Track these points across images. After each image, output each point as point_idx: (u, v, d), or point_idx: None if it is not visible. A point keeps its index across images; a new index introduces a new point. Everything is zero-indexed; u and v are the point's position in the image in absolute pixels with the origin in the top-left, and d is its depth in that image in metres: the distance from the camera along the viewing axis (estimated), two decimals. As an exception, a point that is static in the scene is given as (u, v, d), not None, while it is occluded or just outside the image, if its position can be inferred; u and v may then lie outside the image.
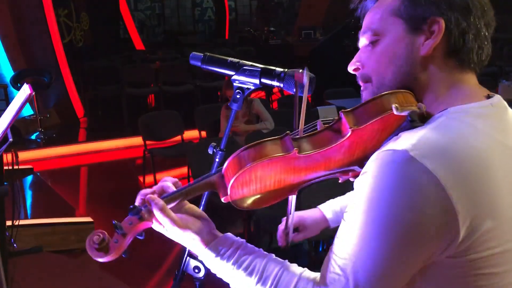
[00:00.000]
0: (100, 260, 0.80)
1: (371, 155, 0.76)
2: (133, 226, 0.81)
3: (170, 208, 0.83)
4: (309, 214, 1.24)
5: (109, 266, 3.23)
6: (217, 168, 1.00)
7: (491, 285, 0.75)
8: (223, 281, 0.87)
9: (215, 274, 0.87)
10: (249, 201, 0.85)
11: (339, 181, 0.90)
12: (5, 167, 2.36)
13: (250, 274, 0.81)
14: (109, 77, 7.40)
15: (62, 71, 6.81)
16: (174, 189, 0.86)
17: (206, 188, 0.85)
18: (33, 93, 1.57)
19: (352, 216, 0.75)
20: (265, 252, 0.85)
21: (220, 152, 1.01)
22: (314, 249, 2.82)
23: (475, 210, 0.71)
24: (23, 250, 3.03)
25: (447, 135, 0.73)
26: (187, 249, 1.04)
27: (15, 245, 2.84)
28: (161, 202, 0.82)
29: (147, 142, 4.60)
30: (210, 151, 1.02)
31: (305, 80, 0.83)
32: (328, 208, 1.25)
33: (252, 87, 0.96)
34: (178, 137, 4.78)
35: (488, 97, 0.82)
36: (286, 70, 0.95)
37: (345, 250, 0.75)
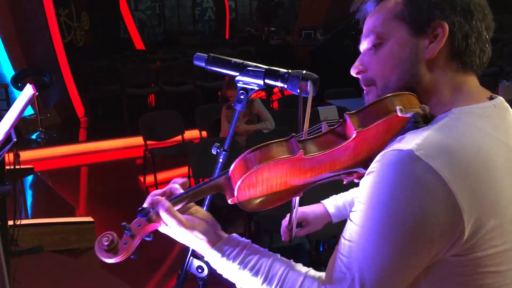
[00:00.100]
0: (109, 261, 0.81)
1: (376, 156, 0.77)
2: (142, 227, 0.82)
3: (177, 210, 0.84)
4: (312, 209, 1.25)
5: (110, 265, 3.23)
6: (220, 168, 1.00)
7: (495, 283, 0.76)
8: (226, 281, 0.87)
9: (218, 274, 0.88)
10: (255, 202, 0.86)
11: (344, 183, 0.90)
12: (7, 167, 2.36)
13: (256, 274, 0.82)
14: (110, 77, 7.40)
15: (62, 71, 6.81)
16: (182, 191, 0.87)
17: (213, 190, 0.86)
18: (37, 93, 1.57)
19: (358, 216, 0.76)
20: (270, 252, 0.86)
21: (223, 152, 1.01)
22: (315, 248, 2.83)
23: (480, 209, 0.72)
24: (24, 250, 3.03)
25: (451, 135, 0.74)
26: (190, 249, 1.04)
27: (17, 245, 2.85)
28: (167, 203, 0.83)
29: (148, 142, 4.61)
30: (213, 152, 1.02)
31: (309, 89, 0.84)
32: (331, 203, 1.26)
33: (256, 88, 0.96)
34: (179, 137, 4.78)
35: (491, 98, 0.83)
36: (290, 71, 0.95)
37: (351, 249, 0.75)
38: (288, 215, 1.19)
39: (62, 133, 6.55)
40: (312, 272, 0.82)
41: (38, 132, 6.13)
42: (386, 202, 0.72)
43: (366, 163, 0.82)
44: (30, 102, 1.60)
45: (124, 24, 10.65)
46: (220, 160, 1.01)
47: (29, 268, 2.88)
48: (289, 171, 0.81)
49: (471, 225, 0.71)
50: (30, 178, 4.79)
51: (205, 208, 1.03)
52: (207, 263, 1.02)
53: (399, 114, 0.76)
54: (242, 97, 0.96)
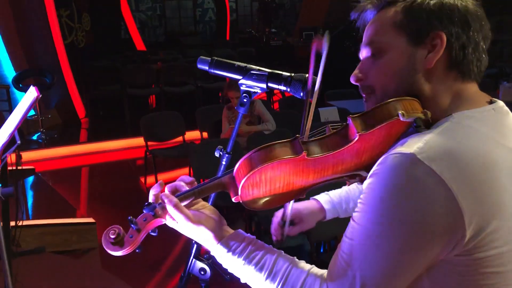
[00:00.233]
0: (115, 254, 0.83)
1: (378, 159, 0.78)
2: (148, 222, 0.84)
3: (184, 205, 0.86)
4: (305, 205, 1.24)
5: (111, 266, 3.24)
6: (223, 171, 1.01)
7: (497, 283, 0.77)
8: (229, 283, 0.88)
9: (220, 276, 0.89)
10: (259, 202, 0.88)
11: (347, 185, 0.92)
12: (9, 168, 2.37)
13: (260, 269, 0.84)
14: (111, 77, 7.41)
15: (63, 71, 6.82)
16: (187, 188, 0.89)
17: (218, 188, 0.88)
18: (40, 96, 1.59)
19: (360, 216, 0.77)
20: (275, 249, 0.88)
21: (226, 155, 1.02)
22: (316, 250, 2.83)
23: (481, 211, 0.73)
24: (26, 251, 3.04)
25: (452, 139, 0.76)
26: (193, 251, 1.05)
27: (20, 245, 2.85)
28: (175, 199, 0.85)
29: (149, 142, 4.61)
30: (217, 154, 1.03)
31: (325, 47, 0.84)
32: (325, 200, 1.25)
33: (259, 91, 0.98)
34: (180, 138, 4.79)
35: (490, 102, 0.85)
36: (292, 74, 0.96)
37: (352, 248, 0.77)
38: (279, 212, 1.18)
39: (63, 134, 6.56)
40: (315, 269, 0.84)
41: (39, 133, 6.14)
42: (388, 204, 0.74)
43: (368, 166, 0.83)
44: (34, 104, 1.61)
45: (125, 25, 10.66)
46: (223, 162, 1.02)
47: (30, 269, 2.89)
48: (292, 171, 0.83)
49: (472, 227, 0.73)
50: (31, 178, 4.80)
51: (210, 204, 1.04)
52: (209, 264, 1.03)
53: (401, 118, 0.77)
54: (245, 100, 0.97)
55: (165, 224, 0.89)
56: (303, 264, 0.85)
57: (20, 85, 5.98)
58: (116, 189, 4.80)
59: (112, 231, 0.83)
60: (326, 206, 1.23)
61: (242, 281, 0.87)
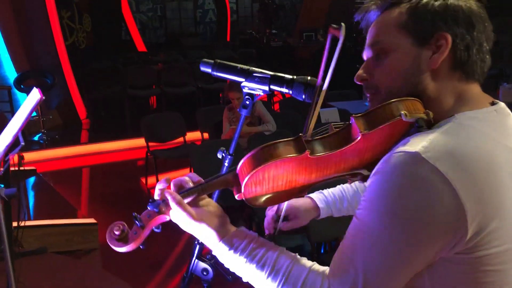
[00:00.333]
0: (119, 250, 0.84)
1: (380, 158, 0.79)
2: (151, 218, 0.85)
3: (187, 202, 0.87)
4: (300, 203, 1.24)
5: (112, 266, 3.25)
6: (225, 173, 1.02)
7: (496, 281, 0.78)
8: (231, 284, 0.89)
9: (222, 277, 0.90)
10: (262, 199, 0.89)
11: (348, 183, 0.93)
12: (11, 168, 2.38)
13: (262, 267, 0.84)
14: (111, 78, 7.42)
15: (64, 72, 6.83)
16: (191, 185, 0.90)
17: (221, 185, 0.89)
18: (43, 98, 1.60)
19: (364, 214, 0.78)
20: (276, 246, 0.88)
21: (229, 157, 1.03)
22: (316, 250, 2.84)
23: (483, 210, 0.74)
24: (28, 251, 3.05)
25: (456, 139, 0.77)
26: (195, 251, 1.06)
27: (22, 246, 2.87)
28: (178, 196, 0.85)
29: (150, 143, 4.63)
30: (219, 156, 1.04)
31: (341, 36, 0.85)
32: (320, 198, 1.25)
33: (262, 94, 0.99)
34: (181, 139, 4.80)
35: (492, 103, 0.86)
36: (294, 77, 0.97)
37: (355, 245, 0.78)
38: (274, 207, 1.18)
39: (64, 135, 6.57)
40: (316, 266, 0.85)
41: (40, 134, 6.15)
42: (393, 202, 0.75)
43: (370, 165, 0.85)
44: (37, 106, 1.63)
45: (126, 26, 10.66)
46: (226, 164, 1.03)
47: (32, 269, 2.90)
48: (295, 170, 0.84)
49: (474, 226, 0.74)
50: (32, 179, 4.81)
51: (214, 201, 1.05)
52: (212, 265, 1.04)
53: (404, 118, 0.78)
54: (247, 102, 0.98)
55: (167, 222, 0.89)
56: (305, 261, 0.86)
57: (22, 86, 5.99)
58: (117, 189, 4.81)
59: (116, 227, 0.84)
60: (320, 205, 1.24)
61: (244, 279, 0.88)
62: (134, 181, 5.04)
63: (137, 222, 0.84)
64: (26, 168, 3.31)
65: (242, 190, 0.84)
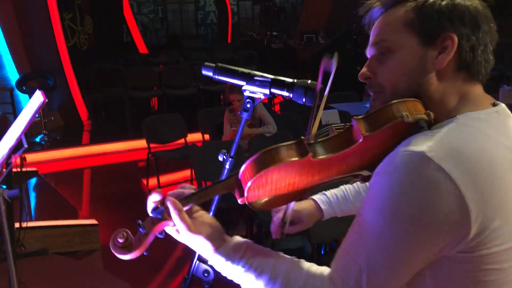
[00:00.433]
0: (123, 257, 0.84)
1: (381, 159, 0.80)
2: (155, 225, 0.85)
3: (185, 210, 0.86)
4: (303, 206, 1.24)
5: (113, 267, 3.25)
6: (227, 175, 1.03)
7: (498, 280, 0.79)
8: (232, 285, 0.90)
9: (224, 279, 0.91)
10: (263, 202, 0.89)
11: (350, 183, 0.94)
12: (13, 169, 2.39)
13: (260, 275, 0.84)
14: (113, 80, 7.43)
15: (66, 74, 6.85)
16: (192, 190, 0.90)
17: (223, 189, 0.89)
18: (46, 100, 1.61)
19: (368, 212, 0.79)
20: (273, 251, 0.88)
21: (230, 159, 1.04)
22: (317, 252, 2.85)
23: (486, 209, 0.75)
24: (30, 252, 3.06)
25: (460, 139, 0.78)
26: (196, 253, 1.07)
27: (24, 247, 2.88)
28: (179, 205, 0.85)
29: (151, 144, 4.63)
30: (220, 158, 1.05)
31: (333, 67, 0.87)
32: (322, 200, 1.26)
33: (262, 97, 1.00)
34: (182, 140, 4.81)
35: (494, 105, 0.87)
36: (295, 80, 0.98)
37: (359, 243, 0.79)
38: (279, 213, 1.19)
39: (66, 136, 6.58)
40: (314, 268, 0.85)
41: (42, 135, 6.16)
42: (397, 200, 0.75)
43: (371, 166, 0.85)
44: (40, 108, 1.64)
45: (127, 28, 10.67)
46: (227, 166, 1.04)
47: (34, 270, 2.91)
48: (297, 173, 0.84)
49: (477, 225, 0.74)
50: (34, 180, 4.82)
51: (212, 211, 1.06)
52: (213, 267, 1.05)
53: (405, 120, 0.79)
54: (248, 105, 0.99)
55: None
56: (303, 265, 0.85)
57: (24, 88, 6.01)
58: (118, 191, 4.82)
59: (120, 235, 0.83)
60: (323, 206, 1.24)
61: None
62: (135, 182, 5.05)
63: (141, 229, 0.84)
64: (28, 169, 3.32)
65: (245, 195, 0.84)
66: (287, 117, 4.62)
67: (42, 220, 3.68)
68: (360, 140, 0.79)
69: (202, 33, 14.15)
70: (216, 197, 1.06)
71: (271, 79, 0.98)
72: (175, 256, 3.41)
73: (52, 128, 6.43)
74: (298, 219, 1.23)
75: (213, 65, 1.03)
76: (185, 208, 0.86)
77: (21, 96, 6.28)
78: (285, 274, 0.83)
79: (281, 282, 0.83)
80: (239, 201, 0.87)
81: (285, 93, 0.97)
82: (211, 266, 1.05)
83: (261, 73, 1.00)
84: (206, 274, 1.05)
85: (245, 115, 1.00)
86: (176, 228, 0.87)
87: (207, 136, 4.82)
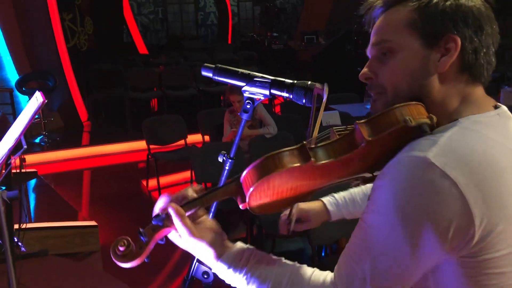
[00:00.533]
0: (125, 266, 0.83)
1: (383, 162, 0.80)
2: (156, 232, 0.85)
3: (187, 216, 0.86)
4: (312, 206, 1.26)
5: (113, 268, 3.24)
6: (227, 176, 1.03)
7: (499, 283, 0.78)
8: (232, 287, 0.90)
9: (223, 280, 0.90)
10: (265, 207, 0.89)
11: (352, 185, 0.93)
12: (13, 171, 2.39)
13: (262, 284, 0.84)
14: (113, 81, 7.43)
15: (66, 75, 6.85)
16: (195, 195, 0.89)
17: (224, 195, 0.88)
18: (46, 101, 1.61)
19: (372, 218, 0.78)
20: (275, 258, 0.88)
21: (229, 160, 1.04)
22: (317, 254, 2.84)
23: (490, 214, 0.75)
24: (29, 253, 3.06)
25: (463, 144, 0.77)
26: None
27: (23, 248, 2.87)
28: (181, 211, 0.85)
29: (151, 146, 4.63)
30: (220, 160, 1.04)
31: (324, 97, 0.87)
32: (330, 202, 1.27)
33: (262, 98, 0.99)
34: (182, 141, 4.81)
35: (495, 107, 0.86)
36: (295, 81, 0.97)
37: (363, 249, 0.78)
38: (286, 210, 1.22)
39: (66, 137, 6.58)
40: (317, 273, 0.84)
41: (41, 136, 6.16)
42: (401, 205, 0.75)
43: (372, 168, 0.85)
44: (40, 109, 1.64)
45: (127, 29, 10.69)
46: (226, 167, 1.03)
47: (33, 271, 2.90)
48: (299, 177, 0.84)
49: (481, 230, 0.74)
50: (33, 181, 4.82)
51: (211, 213, 1.06)
52: (211, 269, 1.04)
53: (408, 124, 0.78)
54: (248, 106, 0.99)
55: None
56: (305, 271, 0.85)
57: (23, 89, 6.01)
58: (118, 192, 4.81)
59: (121, 243, 0.83)
60: (330, 208, 1.26)
61: None
62: (135, 184, 5.05)
63: (142, 237, 0.84)
64: (28, 170, 3.31)
65: (247, 200, 0.84)
66: (288, 118, 4.62)
67: (42, 221, 3.68)
68: (363, 145, 0.79)
69: (202, 34, 14.17)
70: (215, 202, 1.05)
71: (271, 80, 0.98)
72: (175, 258, 3.41)
73: (52, 129, 6.43)
74: (305, 217, 1.25)
75: (213, 66, 1.03)
76: (187, 214, 0.86)
77: (21, 97, 6.28)
78: (288, 282, 0.83)
79: None
80: (240, 206, 0.87)
81: (285, 94, 0.97)
82: (210, 268, 1.05)
83: (261, 74, 0.99)
84: (205, 276, 1.05)
85: (245, 116, 1.00)
86: (179, 234, 0.86)
87: (207, 137, 4.82)
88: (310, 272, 0.85)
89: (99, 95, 7.47)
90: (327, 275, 0.83)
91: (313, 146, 0.84)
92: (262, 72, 1.03)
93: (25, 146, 1.73)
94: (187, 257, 1.06)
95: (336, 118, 4.34)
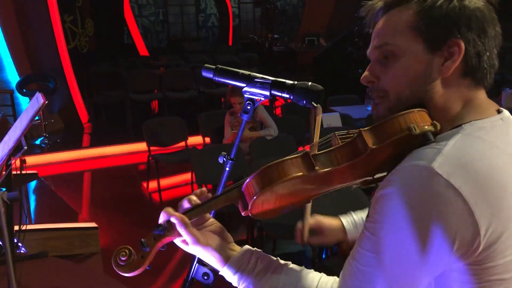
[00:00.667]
0: (127, 275, 0.84)
1: (385, 165, 0.80)
2: (158, 242, 0.86)
3: (192, 222, 0.87)
4: (328, 221, 1.23)
5: (113, 270, 3.24)
6: (227, 177, 1.03)
7: None
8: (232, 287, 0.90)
9: (223, 281, 0.90)
10: (267, 213, 0.89)
11: (351, 189, 0.93)
12: (13, 172, 2.39)
13: (270, 286, 0.85)
14: (113, 82, 7.44)
15: (66, 76, 6.86)
16: (198, 201, 0.90)
17: (226, 202, 0.88)
18: (46, 102, 1.61)
19: (376, 227, 0.77)
20: (282, 263, 0.88)
21: (230, 161, 1.04)
22: (318, 255, 2.84)
23: (495, 224, 0.74)
24: (30, 255, 3.05)
25: (467, 152, 0.76)
26: (196, 256, 1.06)
27: (23, 249, 2.87)
28: (185, 220, 0.85)
29: (151, 147, 4.63)
30: (220, 161, 1.04)
31: (317, 112, 0.87)
32: (348, 220, 1.24)
33: (263, 99, 0.99)
34: (182, 143, 4.81)
35: (498, 111, 0.85)
36: (295, 82, 0.97)
37: (369, 259, 0.77)
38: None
39: (66, 139, 6.59)
40: (324, 280, 0.85)
41: (42, 138, 6.16)
42: (407, 216, 0.74)
43: (374, 173, 0.85)
44: (40, 110, 1.64)
45: (128, 30, 10.71)
46: (227, 168, 1.03)
47: (33, 273, 2.90)
48: (302, 185, 0.84)
49: (486, 239, 0.74)
50: (34, 183, 4.82)
51: (211, 214, 1.05)
52: (212, 270, 1.04)
53: (413, 133, 0.77)
54: (249, 107, 0.98)
55: None
56: (312, 276, 0.85)
57: (24, 90, 6.01)
58: (119, 193, 4.81)
59: (122, 253, 0.84)
60: (347, 227, 1.22)
61: None
62: (135, 185, 5.05)
63: (144, 248, 0.84)
64: (28, 171, 3.32)
65: (249, 208, 0.84)
66: (289, 120, 4.62)
67: (42, 223, 3.68)
68: (367, 153, 0.79)
69: (203, 35, 14.18)
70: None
71: (272, 81, 0.98)
72: (175, 260, 3.40)
73: (52, 131, 6.43)
74: (320, 229, 1.22)
75: (213, 67, 1.03)
76: (191, 220, 0.87)
77: (22, 99, 6.29)
78: None
79: None
80: (242, 213, 0.87)
81: (285, 95, 0.96)
82: (210, 269, 1.04)
83: (261, 75, 0.99)
84: (205, 277, 1.04)
85: (245, 117, 0.99)
86: (184, 240, 0.87)
87: (207, 139, 4.82)
88: (318, 279, 0.85)
89: (99, 97, 7.48)
90: (334, 281, 0.84)
91: (316, 153, 0.83)
92: (263, 73, 1.03)
93: (25, 147, 1.73)
94: (187, 259, 1.06)
95: (337, 120, 4.34)
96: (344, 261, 0.83)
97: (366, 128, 0.81)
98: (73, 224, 3.62)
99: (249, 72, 1.00)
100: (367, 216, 0.81)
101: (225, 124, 4.12)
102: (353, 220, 1.24)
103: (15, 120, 2.20)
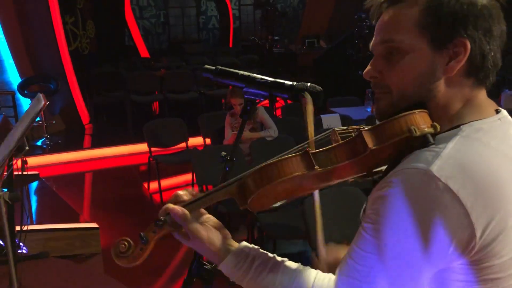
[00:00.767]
0: (125, 266, 0.86)
1: (383, 164, 0.81)
2: (156, 235, 0.87)
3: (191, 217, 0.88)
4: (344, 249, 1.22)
5: (114, 271, 3.25)
6: (226, 177, 1.04)
7: (494, 287, 0.78)
8: (232, 286, 0.91)
9: (223, 280, 0.92)
10: (265, 206, 0.91)
11: (349, 182, 0.95)
12: (14, 173, 2.40)
13: (267, 285, 0.86)
14: (114, 84, 7.45)
15: (68, 78, 6.88)
16: (194, 194, 0.91)
17: (225, 196, 0.89)
18: (47, 103, 1.62)
19: (373, 228, 0.78)
20: (279, 260, 0.89)
21: (230, 161, 1.05)
22: (317, 256, 2.84)
23: (491, 225, 0.75)
24: (31, 255, 3.06)
25: (465, 155, 0.76)
26: (196, 255, 1.07)
27: (25, 249, 2.88)
28: (185, 212, 0.86)
29: (152, 148, 4.64)
30: (220, 161, 1.05)
31: (307, 100, 0.87)
32: None
33: (262, 99, 1.00)
34: (183, 144, 4.82)
35: (497, 111, 0.85)
36: (294, 83, 0.98)
37: (365, 259, 0.78)
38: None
39: (67, 140, 6.60)
40: (320, 276, 0.85)
41: (43, 139, 6.18)
42: (404, 217, 0.74)
43: (372, 169, 0.86)
44: (41, 111, 1.65)
45: (129, 32, 10.72)
46: (227, 169, 1.04)
47: (34, 273, 2.91)
48: (301, 182, 0.85)
49: (482, 241, 0.74)
50: (35, 183, 4.83)
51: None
52: (213, 269, 1.05)
53: (413, 135, 0.78)
54: (248, 108, 1.00)
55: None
56: (308, 273, 0.86)
57: (25, 91, 6.03)
58: (119, 194, 4.82)
59: (122, 245, 0.85)
60: None
61: None
62: (136, 186, 5.06)
63: (142, 241, 0.86)
64: (29, 172, 3.33)
65: (248, 203, 0.85)
66: (289, 121, 4.63)
67: (43, 223, 3.68)
68: (367, 153, 0.79)
69: (203, 37, 14.19)
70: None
71: (271, 81, 0.99)
72: (176, 260, 3.41)
73: (53, 132, 6.45)
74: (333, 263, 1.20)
75: (213, 68, 1.04)
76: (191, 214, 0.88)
77: (23, 100, 6.30)
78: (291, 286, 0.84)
79: None
80: (240, 208, 0.88)
81: (284, 96, 0.97)
82: (211, 268, 1.05)
83: (260, 76, 1.00)
84: (206, 277, 1.05)
85: (244, 117, 1.01)
86: (184, 233, 0.88)
87: (208, 140, 4.83)
88: (313, 277, 0.85)
89: (100, 98, 7.49)
90: (330, 279, 0.84)
91: (315, 151, 0.83)
92: (263, 75, 1.04)
93: (27, 147, 1.74)
94: (188, 258, 1.08)
95: (337, 121, 4.35)
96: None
97: (366, 128, 0.81)
98: (74, 225, 3.63)
99: (248, 73, 1.01)
100: (364, 215, 0.81)
101: (225, 125, 4.14)
102: None
103: (16, 121, 2.22)
